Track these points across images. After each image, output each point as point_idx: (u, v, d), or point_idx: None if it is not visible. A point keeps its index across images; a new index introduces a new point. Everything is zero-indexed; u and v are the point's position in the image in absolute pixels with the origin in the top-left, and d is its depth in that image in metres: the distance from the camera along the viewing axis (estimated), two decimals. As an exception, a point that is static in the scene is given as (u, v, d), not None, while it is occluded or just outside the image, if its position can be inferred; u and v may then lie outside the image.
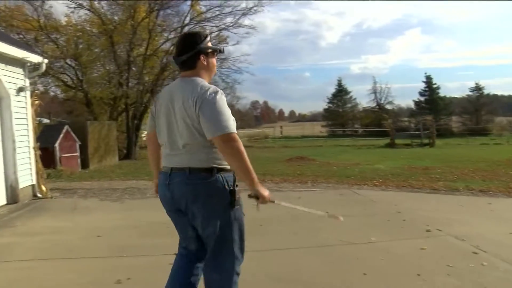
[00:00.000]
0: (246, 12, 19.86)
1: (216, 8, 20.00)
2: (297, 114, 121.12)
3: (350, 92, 53.41)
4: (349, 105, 52.88)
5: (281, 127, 54.04)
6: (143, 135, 23.68)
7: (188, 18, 20.20)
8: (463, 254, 3.83)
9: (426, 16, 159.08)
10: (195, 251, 2.38)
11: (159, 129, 2.35)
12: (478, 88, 45.86)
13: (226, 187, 2.18)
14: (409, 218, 5.27)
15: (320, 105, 56.72)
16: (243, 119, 45.91)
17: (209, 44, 2.32)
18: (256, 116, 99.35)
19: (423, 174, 10.08)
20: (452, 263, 3.56)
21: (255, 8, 19.78)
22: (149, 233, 4.93)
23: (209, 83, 2.27)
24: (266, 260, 3.86)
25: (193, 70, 2.27)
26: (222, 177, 2.17)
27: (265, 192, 2.15)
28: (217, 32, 20.58)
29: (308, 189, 8.29)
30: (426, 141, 24.50)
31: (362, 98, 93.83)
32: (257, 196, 2.14)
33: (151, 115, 2.46)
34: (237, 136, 2.09)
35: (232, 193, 2.18)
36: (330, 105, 53.68)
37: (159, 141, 2.37)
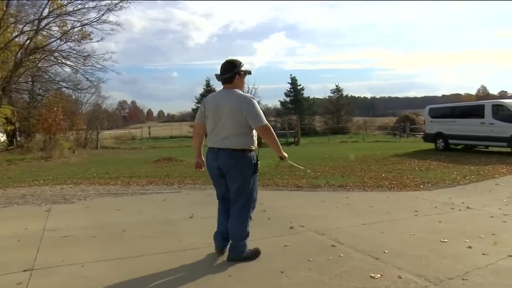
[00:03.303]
0: (111, 8, 19.12)
1: (79, 2, 18.74)
2: (166, 114, 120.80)
3: (218, 92, 54.40)
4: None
5: (149, 127, 52.85)
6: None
7: (46, 11, 18.55)
8: (323, 248, 4.15)
9: (290, 21, 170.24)
10: (227, 202, 3.89)
11: (208, 123, 3.79)
12: (338, 90, 50.56)
13: (252, 160, 3.71)
14: (273, 216, 5.54)
15: (189, 105, 57.30)
16: (110, 119, 43.72)
17: (242, 68, 3.77)
18: (124, 116, 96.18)
19: (288, 172, 10.66)
20: (313, 257, 3.83)
21: (120, 4, 19.11)
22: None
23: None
24: (123, 268, 3.68)
25: (231, 84, 3.75)
26: (249, 154, 3.70)
27: (285, 155, 3.80)
28: (80, 27, 19.30)
29: (175, 191, 8.22)
30: (291, 140, 26.17)
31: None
32: (281, 158, 3.81)
33: (200, 112, 3.89)
34: (269, 125, 3.65)
35: (256, 164, 3.73)
36: (199, 105, 53.94)
37: (207, 130, 3.82)
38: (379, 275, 3.34)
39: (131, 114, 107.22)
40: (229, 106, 3.61)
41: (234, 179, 3.70)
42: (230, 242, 3.85)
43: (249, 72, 3.87)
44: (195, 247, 4.29)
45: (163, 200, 7.12)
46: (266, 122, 3.63)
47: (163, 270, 3.63)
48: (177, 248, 4.29)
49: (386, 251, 3.96)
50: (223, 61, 3.79)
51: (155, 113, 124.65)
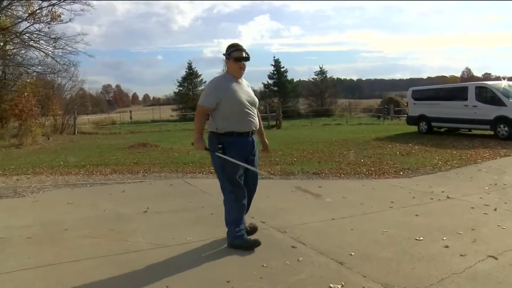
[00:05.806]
0: None
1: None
2: (151, 97, 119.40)
3: (200, 75, 53.75)
4: (200, 88, 53.16)
5: (130, 112, 52.06)
6: None
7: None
8: (282, 250, 3.68)
9: (275, 3, 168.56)
10: None
11: None
12: (322, 72, 49.96)
13: (217, 142, 3.63)
14: (235, 210, 5.03)
15: (173, 89, 56.52)
16: (93, 103, 42.65)
17: (234, 54, 3.72)
18: (109, 100, 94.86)
19: (263, 157, 10.15)
20: (268, 262, 3.36)
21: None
22: None
23: (235, 76, 3.78)
24: (49, 277, 3.19)
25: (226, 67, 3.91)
26: (215, 136, 3.66)
27: (198, 143, 3.66)
28: (48, 8, 18.34)
29: (138, 180, 7.71)
30: (273, 123, 25.65)
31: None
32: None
33: None
34: (200, 107, 3.66)
35: (221, 147, 3.61)
36: (181, 88, 53.31)
37: None
38: (340, 286, 2.89)
39: (116, 98, 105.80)
40: None
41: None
42: None
43: (243, 58, 3.75)
44: (139, 249, 3.81)
45: (121, 191, 6.58)
46: (201, 103, 3.66)
47: (95, 280, 3.14)
48: (119, 250, 3.80)
49: (353, 253, 3.51)
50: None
51: (140, 97, 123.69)
